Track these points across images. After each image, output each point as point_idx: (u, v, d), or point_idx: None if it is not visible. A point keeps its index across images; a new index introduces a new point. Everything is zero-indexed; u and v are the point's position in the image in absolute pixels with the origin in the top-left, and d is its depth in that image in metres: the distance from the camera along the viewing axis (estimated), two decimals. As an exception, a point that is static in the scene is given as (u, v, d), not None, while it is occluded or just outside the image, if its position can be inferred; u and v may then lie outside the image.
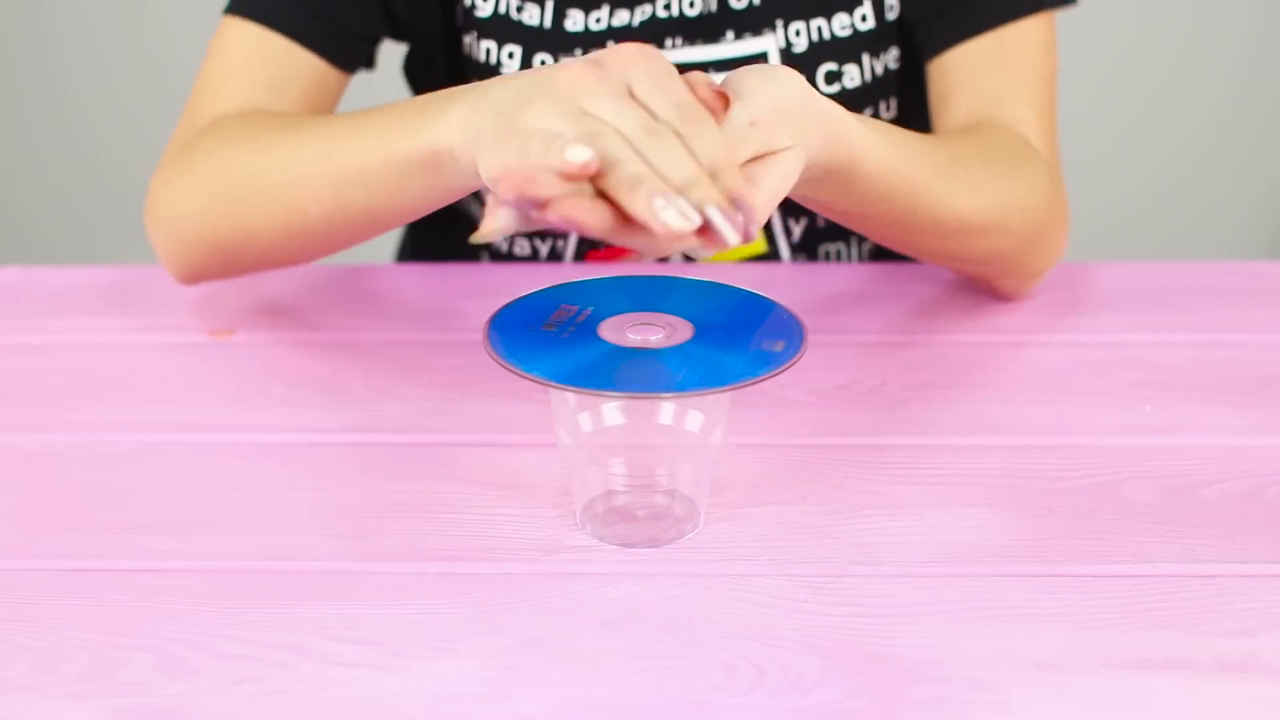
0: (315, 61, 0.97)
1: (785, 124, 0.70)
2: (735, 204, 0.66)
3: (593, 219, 0.65)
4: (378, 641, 0.66)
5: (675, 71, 0.69)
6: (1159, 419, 0.84)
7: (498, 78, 0.75)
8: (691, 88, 0.69)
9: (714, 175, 0.66)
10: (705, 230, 0.65)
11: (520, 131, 0.68)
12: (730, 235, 0.65)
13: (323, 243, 0.88)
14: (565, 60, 0.72)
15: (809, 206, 0.81)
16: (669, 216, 0.64)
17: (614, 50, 0.70)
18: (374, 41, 1.01)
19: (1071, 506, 0.75)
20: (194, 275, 0.94)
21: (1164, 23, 2.29)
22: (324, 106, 0.99)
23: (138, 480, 0.79)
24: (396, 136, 0.78)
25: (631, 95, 0.68)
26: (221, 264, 0.92)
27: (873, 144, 0.76)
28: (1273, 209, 2.39)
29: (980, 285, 0.99)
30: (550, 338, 0.70)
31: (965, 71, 0.99)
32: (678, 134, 0.67)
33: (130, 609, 0.69)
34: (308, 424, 0.84)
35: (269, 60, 0.96)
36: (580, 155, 0.65)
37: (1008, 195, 0.89)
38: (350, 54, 0.99)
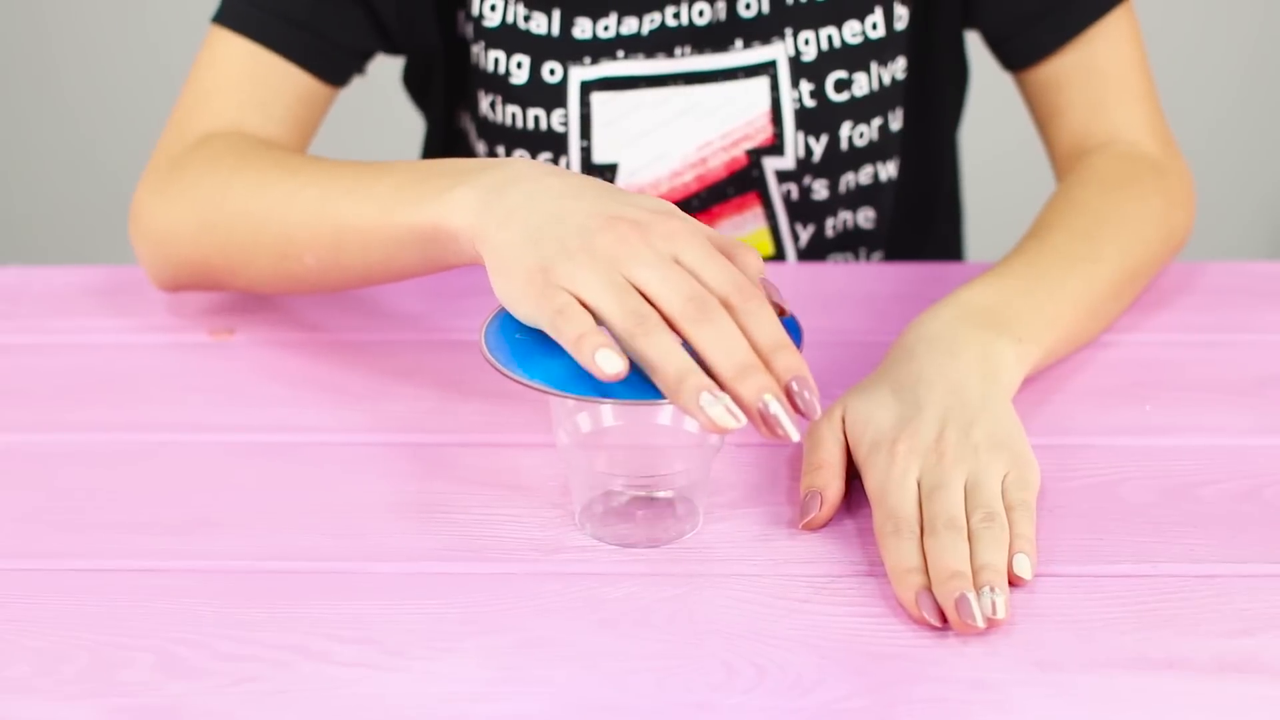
0: (304, 78, 0.97)
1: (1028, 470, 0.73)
2: (798, 385, 0.65)
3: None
4: (378, 641, 0.66)
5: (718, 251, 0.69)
6: (1159, 419, 0.84)
7: (504, 162, 0.75)
8: (739, 265, 0.69)
9: (771, 357, 0.66)
10: (765, 419, 0.64)
11: (553, 288, 0.67)
12: (793, 433, 0.64)
13: (313, 289, 0.89)
14: (601, 198, 0.70)
15: None
16: (715, 413, 0.64)
17: (658, 215, 0.69)
18: (364, 56, 1.01)
19: (1071, 506, 0.75)
20: (176, 288, 0.96)
21: (1164, 23, 2.28)
22: (311, 121, 0.99)
23: (138, 480, 0.79)
24: (398, 205, 0.78)
25: (678, 263, 0.68)
26: (205, 284, 0.94)
27: (1043, 356, 0.82)
28: (1273, 209, 2.39)
29: None
30: (549, 339, 0.69)
31: (1065, 82, 1.01)
32: (729, 306, 0.66)
33: (130, 609, 0.69)
34: (308, 424, 0.84)
35: (258, 76, 0.96)
36: (613, 366, 0.65)
37: (1149, 241, 0.93)
38: (339, 69, 0.99)
